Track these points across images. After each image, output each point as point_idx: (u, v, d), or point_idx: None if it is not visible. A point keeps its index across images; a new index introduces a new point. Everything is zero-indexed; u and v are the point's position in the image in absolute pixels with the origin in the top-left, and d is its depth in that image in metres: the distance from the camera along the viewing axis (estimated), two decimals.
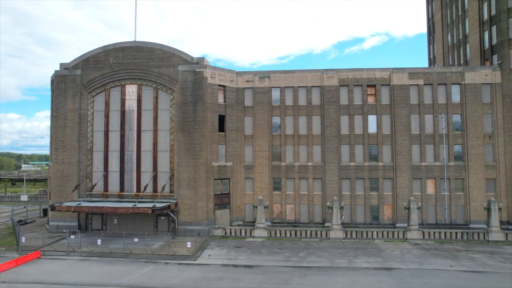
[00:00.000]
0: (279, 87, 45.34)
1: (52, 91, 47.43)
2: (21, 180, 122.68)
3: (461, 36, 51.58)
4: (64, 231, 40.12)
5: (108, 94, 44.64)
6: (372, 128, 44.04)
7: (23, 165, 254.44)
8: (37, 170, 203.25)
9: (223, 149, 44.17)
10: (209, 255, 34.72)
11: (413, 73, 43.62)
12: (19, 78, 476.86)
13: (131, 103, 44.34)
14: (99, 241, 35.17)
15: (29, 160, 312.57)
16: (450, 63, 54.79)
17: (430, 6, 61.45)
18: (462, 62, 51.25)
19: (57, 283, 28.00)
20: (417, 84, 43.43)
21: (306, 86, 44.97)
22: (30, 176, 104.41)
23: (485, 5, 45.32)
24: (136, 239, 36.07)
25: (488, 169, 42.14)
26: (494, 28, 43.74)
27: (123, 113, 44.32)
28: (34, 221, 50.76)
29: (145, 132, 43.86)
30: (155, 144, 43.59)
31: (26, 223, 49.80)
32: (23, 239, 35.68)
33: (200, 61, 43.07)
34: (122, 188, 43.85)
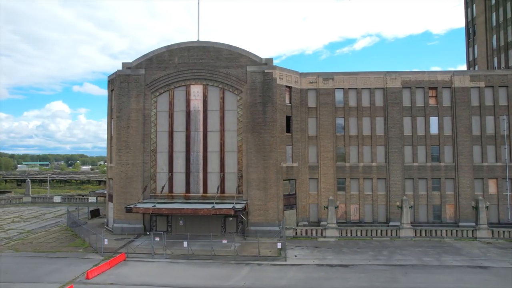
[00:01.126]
0: (342, 88, 45.80)
1: (111, 90, 46.67)
2: (39, 182, 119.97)
3: (510, 39, 53.06)
4: (133, 233, 39.60)
5: (172, 94, 44.22)
6: (434, 129, 44.97)
7: (18, 166, 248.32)
8: (38, 170, 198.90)
9: (290, 150, 44.36)
10: (295, 255, 34.89)
11: (474, 75, 44.75)
12: (7, 77, 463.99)
13: (196, 104, 44.04)
14: (185, 244, 34.85)
15: (22, 160, 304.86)
16: (496, 66, 56.30)
17: (470, 9, 62.92)
18: (510, 64, 52.75)
19: (166, 286, 27.76)
20: (478, 87, 44.57)
21: (369, 88, 45.57)
22: (54, 176, 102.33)
23: None
24: (224, 241, 35.91)
25: None
26: None
27: (188, 113, 43.97)
28: (86, 222, 49.81)
29: (211, 133, 43.64)
30: (222, 145, 43.42)
31: (80, 225, 48.84)
32: (105, 241, 35.07)
33: (268, 62, 43.14)
34: (188, 189, 43.51)
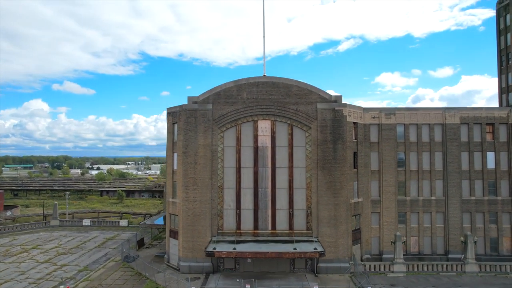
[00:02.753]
0: (403, 123, 46.77)
1: (173, 123, 45.67)
2: (37, 191, 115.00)
3: None
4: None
5: (240, 129, 43.80)
6: (490, 164, 46.69)
7: (3, 169, 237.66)
8: (30, 177, 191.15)
9: (356, 185, 44.93)
10: None
11: None
12: None
13: (264, 139, 43.82)
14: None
15: (3, 163, 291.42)
16: None
17: (503, 37, 65.20)
18: None
19: None
20: None
21: (429, 124, 46.74)
22: (51, 185, 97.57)
23: None
24: (316, 286, 36.06)
25: None
26: None
27: (256, 149, 43.70)
28: (138, 256, 48.65)
29: (279, 169, 43.57)
30: (290, 182, 43.46)
31: (134, 259, 47.65)
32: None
33: (338, 99, 43.44)
34: (256, 226, 43.34)
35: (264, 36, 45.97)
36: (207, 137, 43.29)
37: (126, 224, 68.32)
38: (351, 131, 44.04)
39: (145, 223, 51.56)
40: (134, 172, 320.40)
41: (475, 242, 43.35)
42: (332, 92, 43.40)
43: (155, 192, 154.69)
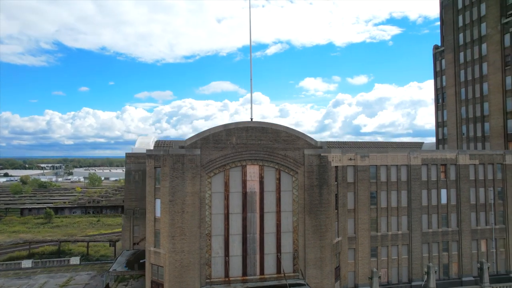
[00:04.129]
0: (376, 165, 50.58)
1: (155, 168, 42.68)
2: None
3: (478, 114, 65.09)
4: None
5: (228, 174, 42.92)
6: (443, 199, 53.12)
7: None
8: None
9: (336, 225, 47.26)
10: None
11: (472, 154, 54.26)
12: None
13: (252, 184, 43.59)
14: None
15: None
16: (464, 132, 68.32)
17: (439, 78, 74.46)
18: (479, 135, 64.86)
19: None
20: (474, 164, 54.22)
21: (396, 165, 51.34)
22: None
23: (510, 100, 59.04)
24: None
25: None
26: None
27: (244, 194, 43.25)
28: None
29: (267, 214, 43.78)
30: (278, 226, 43.97)
31: None
32: None
33: (323, 145, 45.21)
34: (244, 272, 42.95)
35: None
36: (196, 184, 41.52)
37: (78, 262, 61.72)
38: (333, 175, 46.24)
39: (115, 270, 47.14)
40: (53, 179, 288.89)
41: (435, 272, 48.97)
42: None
43: (89, 208, 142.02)
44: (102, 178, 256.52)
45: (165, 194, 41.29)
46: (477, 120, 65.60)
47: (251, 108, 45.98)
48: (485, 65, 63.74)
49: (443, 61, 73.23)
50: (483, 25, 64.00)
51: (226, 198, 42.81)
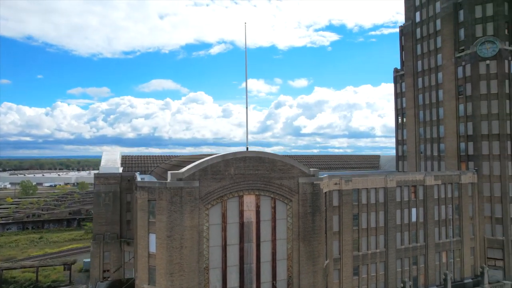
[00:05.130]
0: (358, 188, 53.45)
1: (149, 201, 40.41)
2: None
3: (435, 135, 72.02)
4: None
5: (225, 205, 42.26)
6: (413, 218, 57.98)
7: None
8: None
9: (325, 249, 48.99)
10: None
11: (436, 176, 59.99)
12: None
13: (249, 214, 43.43)
14: None
15: None
16: (422, 151, 75.06)
17: (400, 100, 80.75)
18: (436, 154, 71.78)
19: None
20: (438, 184, 60.02)
21: (375, 188, 54.79)
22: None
23: (462, 125, 66.30)
24: None
25: (471, 240, 62.85)
26: (471, 144, 64.93)
27: (241, 225, 42.93)
28: None
29: (264, 243, 43.94)
30: (273, 254, 44.37)
31: None
32: None
33: (315, 173, 46.58)
34: None
35: (247, 115, 45.32)
36: (194, 217, 40.19)
37: None
38: (324, 201, 47.93)
39: None
40: None
41: (410, 286, 53.30)
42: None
43: (28, 223, 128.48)
44: (33, 183, 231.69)
45: (162, 229, 39.34)
46: (434, 141, 72.56)
47: (247, 135, 45.81)
48: (441, 92, 70.75)
49: (403, 84, 79.63)
50: (439, 56, 70.97)
51: (224, 229, 42.09)
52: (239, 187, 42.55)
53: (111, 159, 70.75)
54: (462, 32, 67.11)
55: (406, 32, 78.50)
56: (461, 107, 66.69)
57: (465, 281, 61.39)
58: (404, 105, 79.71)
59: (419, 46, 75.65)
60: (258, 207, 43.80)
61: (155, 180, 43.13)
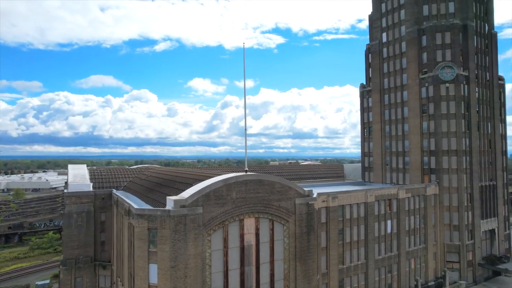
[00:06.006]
0: (342, 204, 55.86)
1: (149, 229, 38.29)
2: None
3: (400, 149, 77.71)
4: None
5: (227, 230, 41.66)
6: (388, 229, 62.10)
7: None
8: None
9: (316, 265, 50.45)
10: None
11: (407, 189, 64.88)
12: None
13: (249, 237, 43.28)
14: None
15: None
16: (388, 164, 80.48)
17: (366, 114, 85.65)
18: (401, 166, 77.49)
19: None
20: (408, 197, 64.98)
21: (357, 203, 57.72)
22: None
23: (425, 141, 72.48)
24: None
25: (434, 246, 68.98)
26: (433, 158, 71.25)
27: (242, 249, 42.63)
28: None
29: (263, 265, 44.08)
30: (272, 276, 44.70)
31: None
32: None
33: (309, 194, 47.77)
34: None
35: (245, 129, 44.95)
36: (198, 245, 39.02)
37: None
38: (316, 220, 49.36)
39: None
40: None
41: None
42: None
43: (11, 236, 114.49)
44: None
45: (165, 260, 37.60)
46: (399, 154, 78.27)
47: (245, 159, 45.40)
48: (406, 109, 76.56)
49: (370, 99, 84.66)
50: (405, 75, 76.76)
51: (226, 254, 41.44)
52: (240, 210, 42.19)
53: (79, 174, 65.52)
54: (425, 55, 73.31)
55: (373, 51, 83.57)
56: (425, 124, 72.83)
57: (429, 283, 67.26)
58: (370, 119, 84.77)
59: (385, 65, 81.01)
60: (257, 230, 43.80)
61: (153, 208, 40.98)
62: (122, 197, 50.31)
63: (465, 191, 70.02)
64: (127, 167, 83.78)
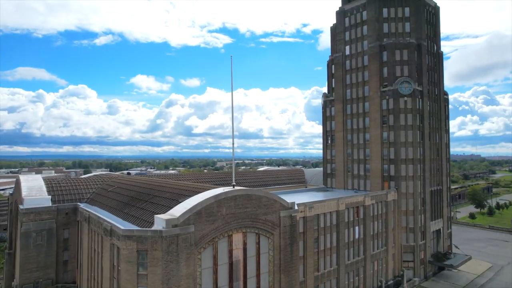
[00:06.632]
0: (318, 214, 57.77)
1: (138, 251, 36.10)
2: None
3: (362, 157, 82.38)
4: None
5: (216, 247, 40.98)
6: (357, 235, 65.60)
7: None
8: None
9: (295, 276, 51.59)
10: None
11: (373, 196, 69.06)
12: None
13: (237, 253, 42.99)
14: None
15: None
16: (350, 170, 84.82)
17: (329, 122, 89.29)
18: (362, 173, 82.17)
19: None
20: (373, 203, 69.23)
21: (330, 211, 60.11)
22: None
23: (386, 150, 77.77)
24: None
25: (393, 248, 74.35)
26: (392, 166, 76.72)
27: (230, 265, 42.22)
28: None
29: (250, 279, 44.12)
30: None
31: None
32: None
33: (292, 206, 48.72)
34: None
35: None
36: (190, 264, 37.81)
37: None
38: (298, 232, 50.49)
39: None
40: None
41: None
42: None
43: None
44: None
45: (156, 283, 35.84)
46: (360, 162, 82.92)
47: (233, 175, 44.88)
48: (367, 120, 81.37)
49: (333, 109, 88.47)
50: (367, 87, 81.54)
51: (215, 272, 40.70)
52: (229, 226, 41.72)
53: (35, 187, 59.45)
54: (385, 70, 78.60)
55: (337, 62, 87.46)
56: (385, 134, 78.11)
57: (389, 283, 72.38)
58: (333, 127, 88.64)
59: (348, 77, 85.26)
60: (245, 245, 43.67)
61: (142, 228, 38.74)
62: (97, 213, 46.74)
63: (419, 196, 76.49)
64: (84, 176, 77.90)
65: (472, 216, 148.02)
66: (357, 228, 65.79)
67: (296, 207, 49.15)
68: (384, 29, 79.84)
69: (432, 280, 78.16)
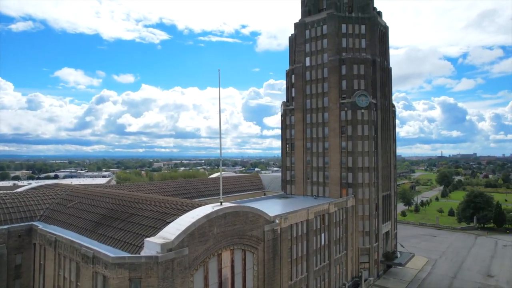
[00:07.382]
0: (291, 224, 59.19)
1: (130, 279, 33.49)
2: None
3: (321, 165, 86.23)
4: None
5: (207, 267, 39.92)
6: (322, 242, 68.58)
7: None
8: None
9: None
10: None
11: (335, 203, 72.72)
12: None
13: (226, 271, 42.35)
14: None
15: None
16: (309, 177, 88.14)
17: (289, 130, 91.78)
18: (321, 180, 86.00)
19: None
20: (335, 210, 72.98)
21: (302, 221, 61.98)
22: None
23: (344, 158, 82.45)
24: None
25: (351, 251, 79.18)
26: (350, 174, 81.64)
27: (220, 284, 41.44)
28: None
29: None
30: None
31: None
32: None
33: (274, 219, 49.28)
34: None
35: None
36: None
37: None
38: (280, 244, 51.21)
39: None
40: None
41: None
42: None
43: None
44: None
45: None
46: (319, 169, 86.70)
47: (221, 190, 43.93)
48: (327, 129, 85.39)
49: (293, 117, 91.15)
50: (326, 99, 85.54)
51: None
52: (219, 245, 40.91)
53: None
54: (344, 83, 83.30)
55: (297, 73, 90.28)
56: (344, 143, 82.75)
57: (348, 284, 77.02)
58: (293, 135, 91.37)
59: (308, 87, 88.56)
60: (232, 262, 43.20)
61: (134, 255, 35.95)
62: (67, 237, 42.14)
63: (374, 202, 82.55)
64: (26, 188, 69.81)
65: (403, 214, 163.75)
66: (323, 235, 68.81)
67: (277, 221, 49.86)
68: (343, 44, 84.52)
69: (383, 278, 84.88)
